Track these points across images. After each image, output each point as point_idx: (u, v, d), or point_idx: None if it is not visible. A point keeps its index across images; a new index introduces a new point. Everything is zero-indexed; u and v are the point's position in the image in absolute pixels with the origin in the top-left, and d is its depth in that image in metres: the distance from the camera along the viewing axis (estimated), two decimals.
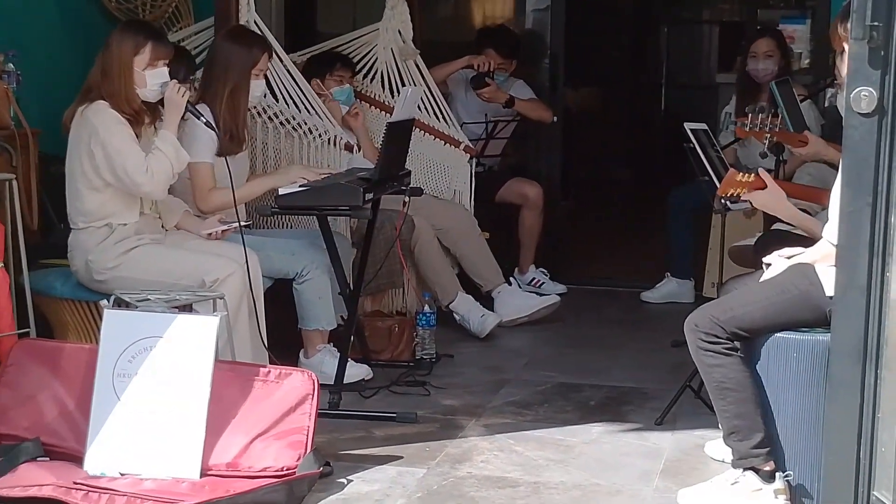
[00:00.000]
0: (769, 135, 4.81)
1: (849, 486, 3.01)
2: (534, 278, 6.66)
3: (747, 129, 4.82)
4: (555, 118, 6.99)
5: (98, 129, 4.36)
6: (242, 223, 4.59)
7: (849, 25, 2.92)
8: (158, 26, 5.70)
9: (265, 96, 5.41)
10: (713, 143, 4.56)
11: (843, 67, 3.42)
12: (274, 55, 5.39)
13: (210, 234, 4.66)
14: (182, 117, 4.67)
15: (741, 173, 3.90)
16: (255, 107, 5.40)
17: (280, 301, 4.86)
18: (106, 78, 4.42)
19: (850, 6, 2.93)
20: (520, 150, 7.15)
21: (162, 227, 4.67)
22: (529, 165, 7.18)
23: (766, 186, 3.97)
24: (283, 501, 3.63)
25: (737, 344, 3.68)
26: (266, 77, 5.35)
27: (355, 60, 6.11)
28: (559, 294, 6.41)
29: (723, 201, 4.35)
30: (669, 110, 11.73)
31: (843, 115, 3.00)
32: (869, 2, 2.86)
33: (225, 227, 4.65)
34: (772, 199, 3.96)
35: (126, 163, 4.35)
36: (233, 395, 3.86)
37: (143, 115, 4.50)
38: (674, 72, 11.94)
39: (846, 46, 3.32)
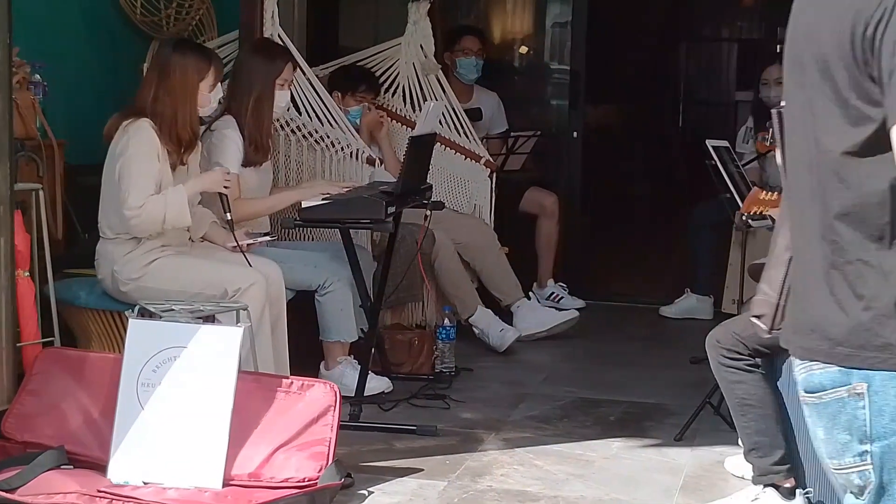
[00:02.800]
0: None
1: None
2: (553, 293, 6.67)
3: (768, 143, 4.84)
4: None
5: (129, 145, 4.39)
6: (268, 238, 4.64)
7: None
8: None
9: (288, 109, 5.45)
10: (734, 159, 4.58)
11: None
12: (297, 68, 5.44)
13: (235, 246, 4.68)
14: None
15: (764, 191, 3.91)
16: (277, 119, 5.44)
17: (301, 313, 4.88)
18: (165, 102, 4.43)
19: None
20: (540, 165, 7.17)
21: (189, 239, 4.69)
22: (549, 180, 7.20)
23: None
24: None
25: (759, 360, 3.69)
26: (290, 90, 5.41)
27: (377, 74, 6.15)
28: (577, 309, 6.42)
29: (744, 218, 4.36)
30: (687, 127, 11.75)
31: None
32: None
33: (251, 241, 4.68)
34: None
35: (130, 187, 4.37)
36: (255, 406, 3.88)
37: (195, 141, 4.55)
38: (692, 89, 11.96)
39: None
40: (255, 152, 4.94)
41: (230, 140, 4.86)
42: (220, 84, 4.62)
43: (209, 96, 4.55)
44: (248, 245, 4.64)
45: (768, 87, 6.33)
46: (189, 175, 4.58)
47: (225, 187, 4.52)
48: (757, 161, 6.22)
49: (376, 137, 5.89)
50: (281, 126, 5.49)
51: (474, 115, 6.55)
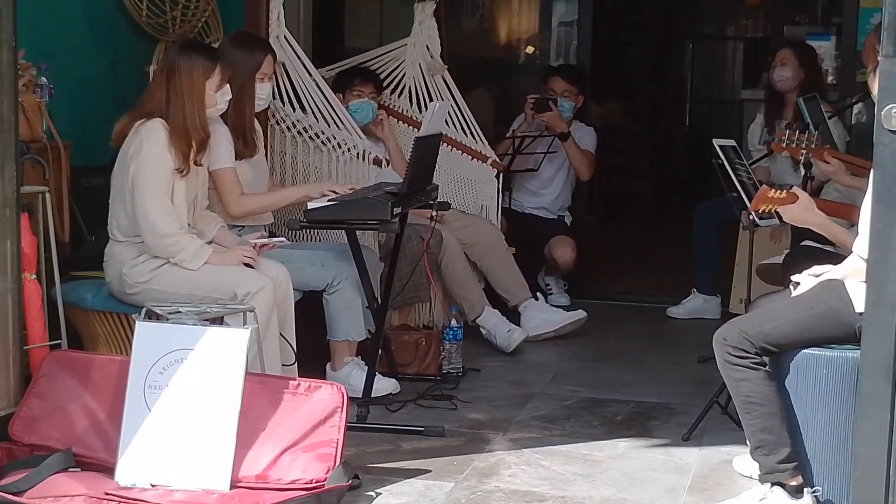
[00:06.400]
0: (805, 150, 4.81)
1: (878, 502, 3.01)
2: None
3: (784, 144, 4.82)
4: None
5: (143, 148, 4.39)
6: (282, 240, 4.65)
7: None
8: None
9: (294, 110, 5.45)
10: (741, 159, 4.57)
11: (876, 84, 3.43)
12: (303, 68, 5.45)
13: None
14: None
15: (773, 189, 3.88)
16: (283, 120, 5.45)
17: (308, 314, 4.88)
18: (176, 104, 4.44)
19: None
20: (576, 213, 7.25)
21: None
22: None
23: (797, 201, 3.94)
24: None
25: (765, 359, 3.69)
26: (295, 91, 5.41)
27: (383, 76, 6.15)
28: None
29: (751, 217, 4.35)
30: (693, 125, 11.75)
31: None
32: None
33: (265, 242, 4.67)
34: (802, 212, 3.93)
35: (146, 197, 4.37)
36: (262, 408, 3.88)
37: (206, 143, 4.54)
38: (698, 87, 11.96)
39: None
40: (244, 146, 4.94)
41: (220, 134, 4.84)
42: (227, 85, 4.60)
43: (215, 96, 4.53)
44: (260, 246, 4.63)
45: (774, 68, 6.35)
46: (199, 178, 4.58)
47: (246, 265, 4.51)
48: (766, 160, 6.21)
49: (382, 138, 5.89)
50: (287, 127, 5.50)
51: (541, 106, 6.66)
